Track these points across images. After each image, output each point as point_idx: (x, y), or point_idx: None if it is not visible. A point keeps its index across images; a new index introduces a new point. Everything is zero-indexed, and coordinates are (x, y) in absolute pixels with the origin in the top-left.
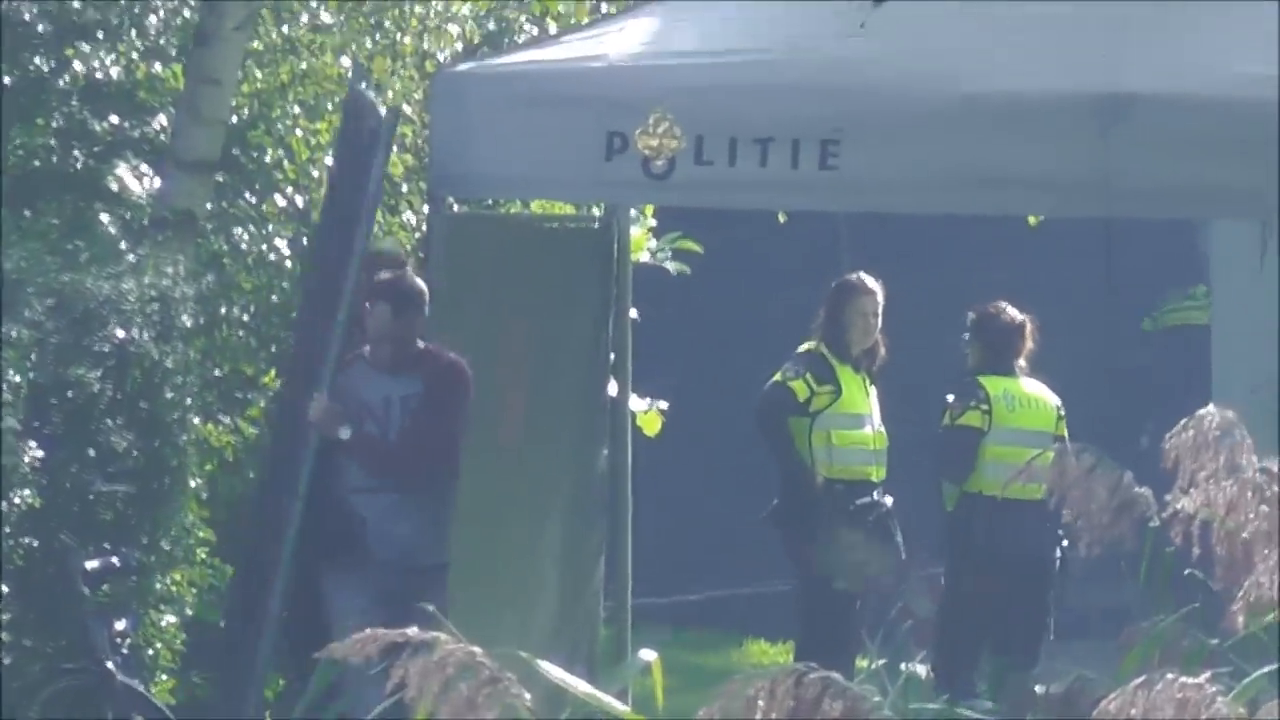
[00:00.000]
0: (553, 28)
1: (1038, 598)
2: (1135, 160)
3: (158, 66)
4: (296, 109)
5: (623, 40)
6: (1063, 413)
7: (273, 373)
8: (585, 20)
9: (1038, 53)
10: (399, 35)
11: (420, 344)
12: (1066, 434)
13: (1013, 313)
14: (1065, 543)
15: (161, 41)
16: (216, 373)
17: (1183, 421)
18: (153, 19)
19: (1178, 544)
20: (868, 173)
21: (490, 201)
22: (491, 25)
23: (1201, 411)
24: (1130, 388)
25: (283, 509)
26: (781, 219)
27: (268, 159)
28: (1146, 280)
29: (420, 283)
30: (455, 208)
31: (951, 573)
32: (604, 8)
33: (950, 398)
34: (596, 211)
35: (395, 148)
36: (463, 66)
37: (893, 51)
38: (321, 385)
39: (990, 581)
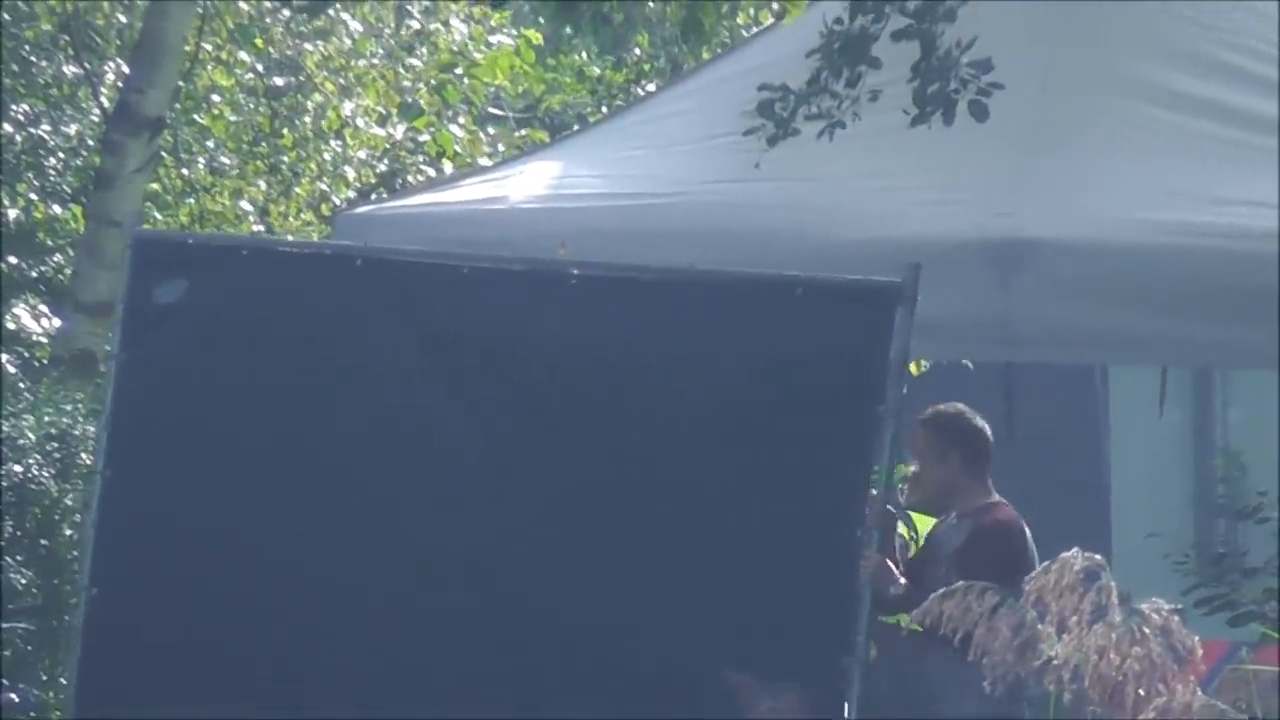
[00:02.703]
0: (449, 167)
1: None
2: (1035, 306)
3: (56, 208)
4: None
5: (523, 183)
6: None
7: None
8: (482, 156)
9: (938, 198)
10: (294, 178)
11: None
12: None
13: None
14: None
15: (60, 183)
16: None
17: (1045, 564)
18: (52, 161)
19: (1052, 689)
20: None
21: None
22: (384, 166)
23: (1065, 554)
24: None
25: None
26: None
27: None
28: (1047, 426)
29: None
30: None
31: None
32: (500, 147)
33: None
34: None
35: None
36: (364, 208)
37: (792, 194)
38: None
39: None
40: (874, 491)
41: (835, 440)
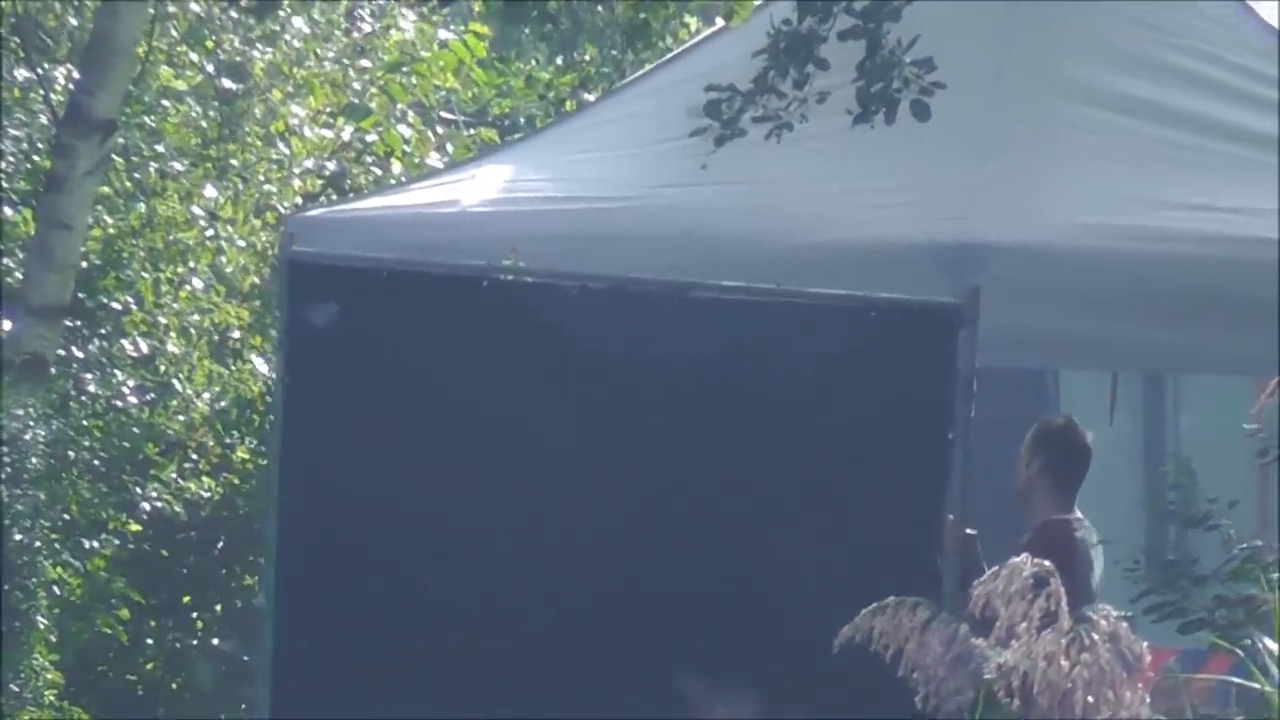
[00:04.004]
0: (396, 166)
1: None
2: (986, 310)
3: (7, 211)
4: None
5: (475, 186)
6: None
7: (123, 518)
8: (430, 155)
9: (889, 201)
10: (241, 184)
11: None
12: None
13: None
14: None
15: (10, 186)
16: (65, 517)
17: (993, 569)
18: (1, 164)
19: (1002, 697)
20: None
21: None
22: (332, 165)
23: (1015, 560)
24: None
25: None
26: None
27: (115, 304)
28: (998, 430)
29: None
30: None
31: None
32: (449, 147)
33: None
34: None
35: (236, 299)
36: (315, 211)
37: (742, 199)
38: None
39: None
40: (950, 516)
41: (908, 464)
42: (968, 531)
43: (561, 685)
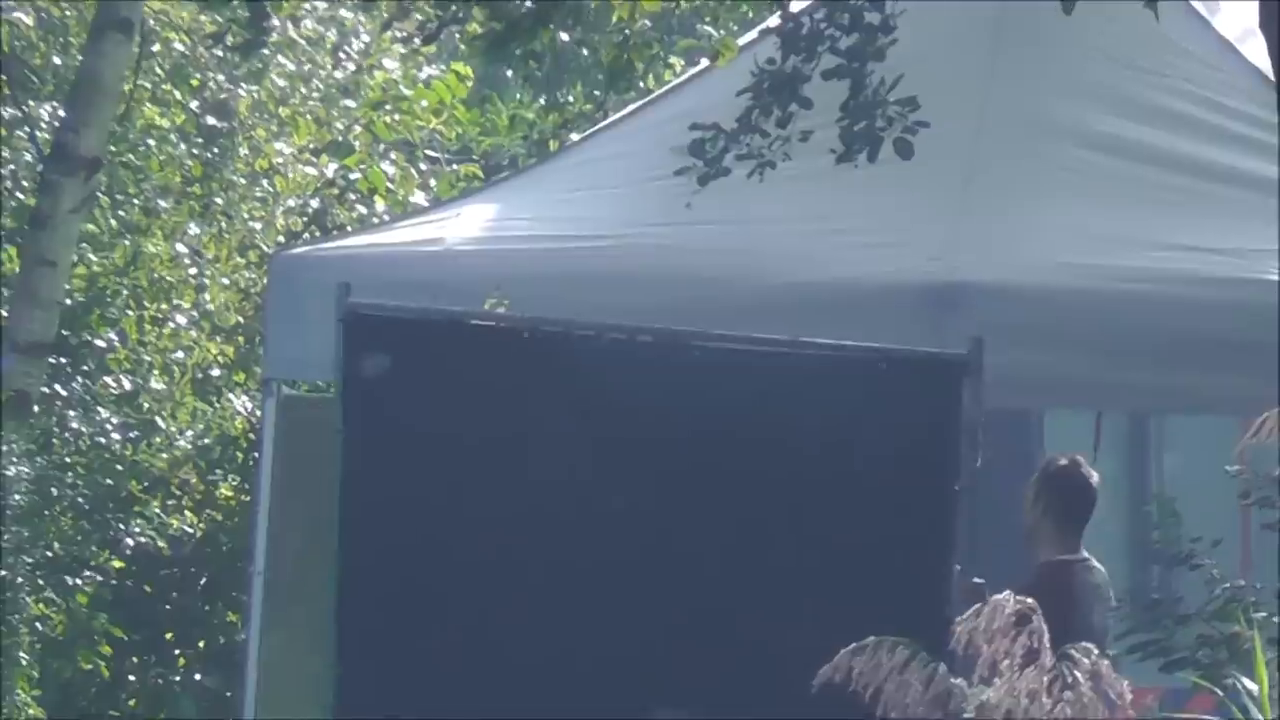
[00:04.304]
0: (380, 204)
1: None
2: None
3: None
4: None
5: (460, 225)
6: None
7: (105, 554)
8: (414, 192)
9: (871, 241)
10: (225, 222)
11: None
12: None
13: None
14: None
15: None
16: (49, 553)
17: (975, 606)
18: None
19: None
20: None
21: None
22: (316, 203)
23: (997, 597)
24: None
25: None
26: None
27: (99, 342)
28: (983, 470)
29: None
30: (284, 390)
31: None
32: (433, 183)
33: None
34: None
35: (219, 335)
36: (300, 249)
37: (725, 239)
38: None
39: None
40: (958, 567)
41: (916, 514)
42: (975, 581)
43: None
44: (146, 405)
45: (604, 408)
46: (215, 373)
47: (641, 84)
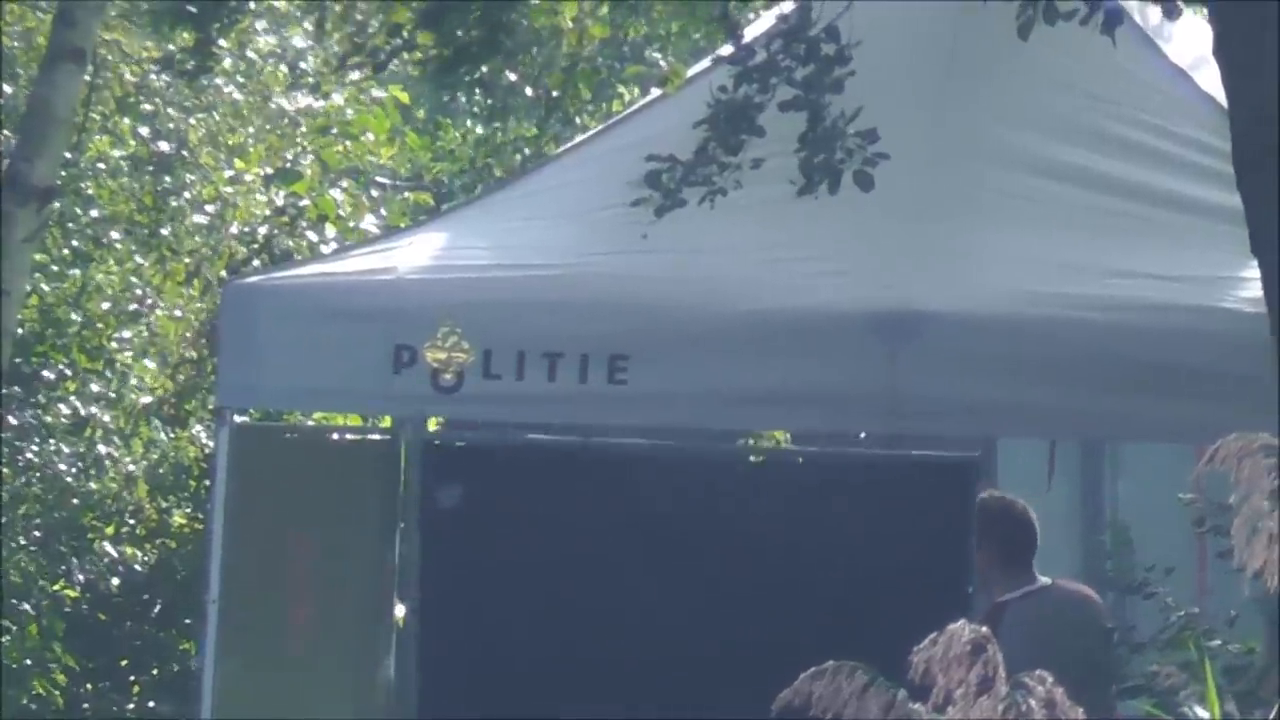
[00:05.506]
0: (330, 230)
1: None
2: (922, 378)
3: None
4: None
5: (412, 253)
6: None
7: (60, 583)
8: (365, 219)
9: (825, 269)
10: (169, 253)
11: None
12: None
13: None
14: None
15: None
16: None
17: (932, 635)
18: None
19: None
20: (658, 388)
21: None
22: (264, 230)
23: (953, 626)
24: None
25: None
26: None
27: (49, 372)
28: None
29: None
30: (237, 418)
31: None
32: (384, 211)
33: None
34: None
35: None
36: (253, 279)
37: (679, 267)
38: None
39: None
40: None
41: (929, 615)
42: None
43: None
44: (93, 434)
45: (646, 514)
46: (169, 403)
47: (591, 108)
